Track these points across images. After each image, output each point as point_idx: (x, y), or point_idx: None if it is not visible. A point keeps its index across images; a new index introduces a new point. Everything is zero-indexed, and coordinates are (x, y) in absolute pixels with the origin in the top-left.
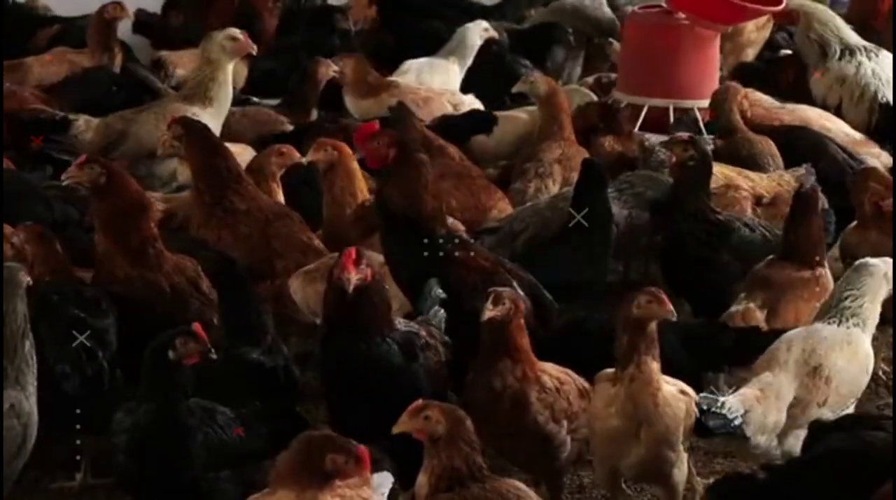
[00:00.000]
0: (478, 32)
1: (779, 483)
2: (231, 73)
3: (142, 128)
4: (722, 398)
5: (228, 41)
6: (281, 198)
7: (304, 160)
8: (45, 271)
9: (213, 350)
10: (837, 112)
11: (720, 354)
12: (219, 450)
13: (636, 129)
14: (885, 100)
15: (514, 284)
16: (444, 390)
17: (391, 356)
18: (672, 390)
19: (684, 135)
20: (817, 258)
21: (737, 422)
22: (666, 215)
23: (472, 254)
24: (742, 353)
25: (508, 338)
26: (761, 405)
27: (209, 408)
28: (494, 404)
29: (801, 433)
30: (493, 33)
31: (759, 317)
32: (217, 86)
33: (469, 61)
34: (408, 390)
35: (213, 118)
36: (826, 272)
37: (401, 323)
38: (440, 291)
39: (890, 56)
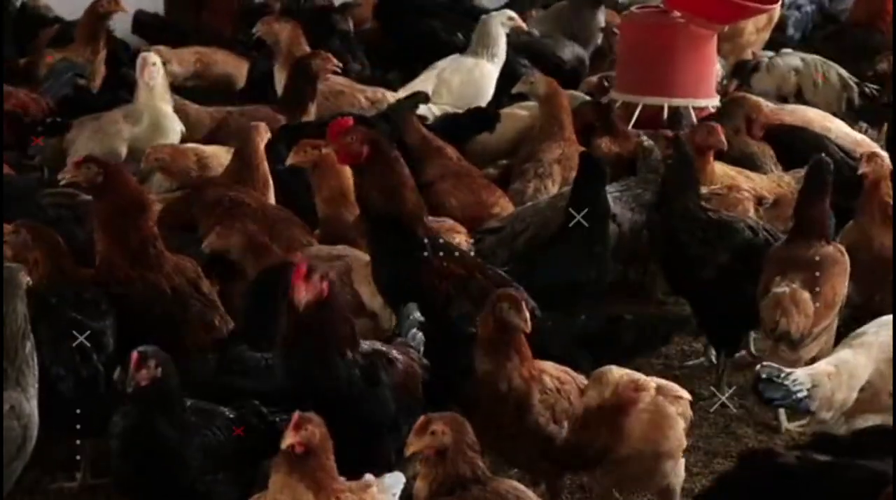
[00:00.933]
0: (500, 21)
1: (808, 474)
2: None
3: (82, 137)
4: (787, 370)
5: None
6: (270, 179)
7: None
8: (48, 269)
9: (140, 383)
10: (798, 99)
11: (621, 349)
12: (216, 452)
13: (630, 127)
14: (853, 79)
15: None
16: (415, 407)
17: (351, 380)
18: (661, 403)
19: (669, 132)
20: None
21: (800, 395)
22: (658, 214)
23: (444, 263)
24: (643, 347)
25: (512, 338)
26: (831, 381)
27: (207, 409)
28: (499, 406)
29: (874, 418)
30: (520, 23)
31: (807, 297)
32: (147, 110)
33: (500, 54)
34: (369, 413)
35: (138, 139)
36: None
37: (366, 344)
38: (418, 314)
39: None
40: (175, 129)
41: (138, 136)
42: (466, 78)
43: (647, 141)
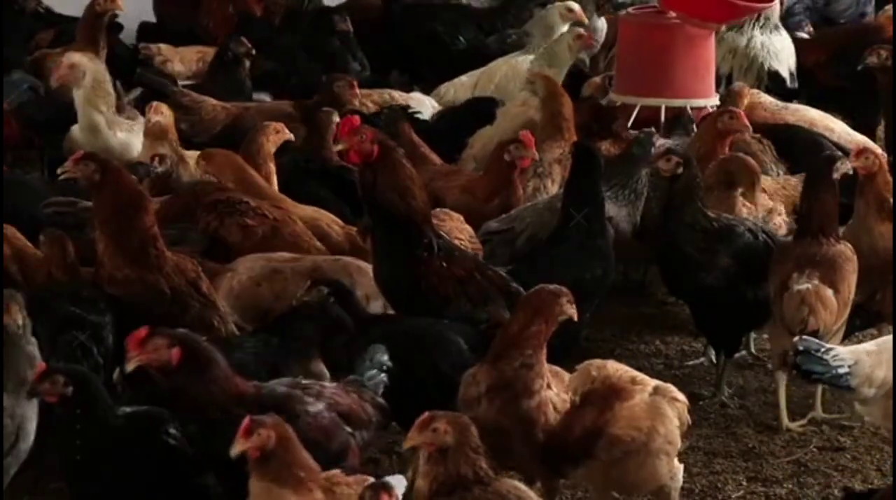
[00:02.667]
0: (558, 13)
1: None
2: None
3: None
4: (828, 345)
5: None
6: (274, 179)
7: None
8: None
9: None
10: (728, 81)
11: None
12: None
13: (629, 127)
14: (771, 69)
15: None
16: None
17: (225, 438)
18: (657, 399)
19: (662, 147)
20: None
21: (841, 370)
22: (662, 223)
23: (444, 263)
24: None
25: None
26: (870, 359)
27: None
28: (518, 403)
29: None
30: (580, 15)
31: (830, 294)
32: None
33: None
34: None
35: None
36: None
37: (282, 388)
38: (386, 357)
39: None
40: (108, 147)
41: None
42: (511, 72)
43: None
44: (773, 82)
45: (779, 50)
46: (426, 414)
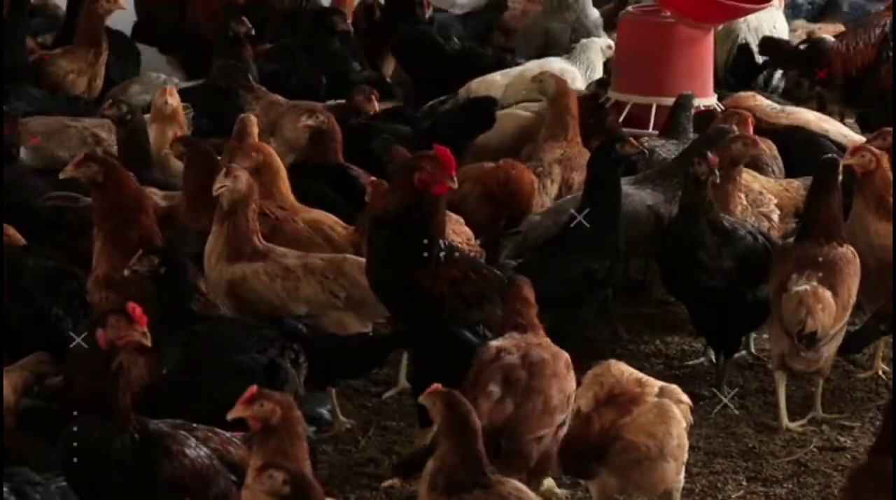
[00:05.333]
0: (600, 47)
1: None
2: None
3: None
4: None
5: None
6: None
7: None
8: None
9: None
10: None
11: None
12: None
13: (620, 123)
14: (744, 41)
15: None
16: None
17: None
18: (666, 402)
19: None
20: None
21: None
22: (679, 223)
23: (439, 266)
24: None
25: None
26: None
27: None
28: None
29: None
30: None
31: (829, 296)
32: None
33: (593, 75)
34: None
35: None
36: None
37: (169, 426)
38: (325, 412)
39: (777, 12)
40: None
41: None
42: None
43: (647, 141)
44: (741, 55)
45: (758, 26)
46: (254, 388)
